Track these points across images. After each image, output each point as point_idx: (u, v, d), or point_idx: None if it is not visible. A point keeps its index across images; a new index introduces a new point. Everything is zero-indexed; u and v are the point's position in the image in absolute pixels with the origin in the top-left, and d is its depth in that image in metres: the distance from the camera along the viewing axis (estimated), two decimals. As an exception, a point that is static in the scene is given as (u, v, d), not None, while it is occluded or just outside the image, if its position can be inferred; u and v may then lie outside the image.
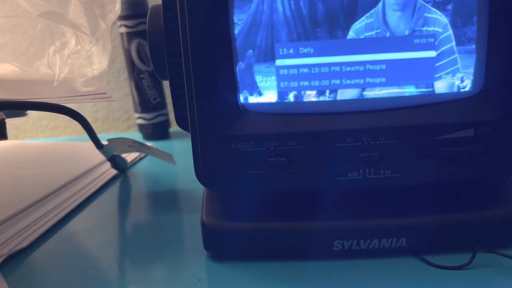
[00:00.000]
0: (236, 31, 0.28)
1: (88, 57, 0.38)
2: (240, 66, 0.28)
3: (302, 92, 0.29)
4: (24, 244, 0.34)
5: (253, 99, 0.29)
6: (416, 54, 0.28)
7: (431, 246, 0.29)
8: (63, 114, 0.34)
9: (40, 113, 0.73)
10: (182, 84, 0.29)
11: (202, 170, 0.29)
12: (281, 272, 0.29)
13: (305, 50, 0.28)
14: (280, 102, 0.29)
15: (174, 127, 0.63)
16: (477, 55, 0.27)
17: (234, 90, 0.28)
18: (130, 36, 0.57)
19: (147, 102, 0.59)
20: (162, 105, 0.61)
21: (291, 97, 0.29)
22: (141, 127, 0.61)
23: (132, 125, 0.72)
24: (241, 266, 0.30)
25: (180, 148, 0.57)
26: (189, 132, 0.29)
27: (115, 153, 0.45)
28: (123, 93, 0.71)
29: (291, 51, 0.28)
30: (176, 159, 0.46)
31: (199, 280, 0.29)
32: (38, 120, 0.73)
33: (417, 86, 0.28)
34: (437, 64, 0.28)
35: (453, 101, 0.28)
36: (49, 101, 0.34)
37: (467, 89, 0.28)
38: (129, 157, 0.51)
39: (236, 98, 0.28)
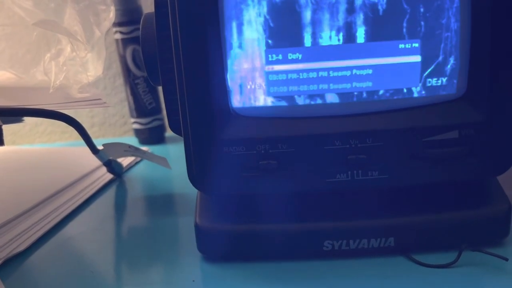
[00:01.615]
0: (226, 37, 0.28)
1: (83, 64, 0.39)
2: (230, 71, 0.29)
3: (291, 96, 0.29)
4: (21, 248, 0.35)
5: (243, 104, 0.30)
6: (402, 58, 0.29)
7: (419, 245, 0.30)
8: (59, 120, 0.35)
9: (37, 119, 0.74)
10: (174, 90, 0.30)
11: (195, 173, 0.30)
12: (273, 272, 0.30)
13: (294, 56, 0.28)
14: (270, 107, 0.30)
15: (170, 132, 0.63)
16: (460, 58, 0.28)
17: (225, 95, 0.29)
18: (125, 42, 0.58)
19: (142, 107, 0.60)
20: (158, 110, 0.61)
21: (280, 102, 0.29)
22: (137, 132, 0.62)
23: (128, 130, 0.73)
24: (234, 267, 0.31)
25: (175, 152, 0.58)
26: (182, 136, 0.30)
27: (110, 158, 0.46)
28: (119, 98, 0.72)
29: (280, 57, 0.28)
30: (171, 163, 0.47)
31: (193, 280, 0.30)
32: (35, 125, 0.74)
33: (402, 90, 0.29)
34: (421, 68, 0.29)
35: (438, 104, 0.29)
36: (45, 108, 0.34)
37: (451, 92, 0.29)
38: (125, 161, 0.51)
39: (227, 103, 0.29)
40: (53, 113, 0.34)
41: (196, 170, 0.30)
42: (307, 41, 0.28)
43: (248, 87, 0.29)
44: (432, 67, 0.29)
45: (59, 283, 0.31)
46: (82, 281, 0.31)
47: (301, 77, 0.29)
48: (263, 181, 0.29)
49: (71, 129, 0.41)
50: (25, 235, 0.36)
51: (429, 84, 0.29)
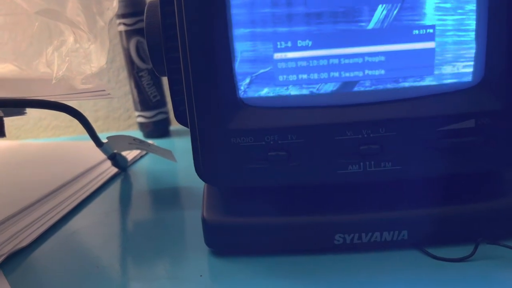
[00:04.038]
0: (234, 25, 0.27)
1: (86, 56, 0.38)
2: (238, 60, 0.28)
3: (301, 85, 0.28)
4: (25, 243, 0.34)
5: (252, 93, 0.29)
6: (415, 45, 0.27)
7: (433, 238, 0.29)
8: (62, 112, 0.34)
9: (41, 113, 0.73)
10: (180, 80, 0.29)
11: (201, 165, 0.29)
12: (283, 266, 0.29)
13: (303, 43, 0.27)
14: (279, 96, 0.29)
15: (175, 125, 0.63)
16: (476, 45, 0.27)
17: (232, 84, 0.28)
18: (129, 34, 0.57)
19: (147, 100, 0.59)
20: (162, 103, 0.61)
21: (290, 90, 0.29)
22: (142, 125, 0.61)
23: (133, 123, 0.72)
24: (243, 261, 0.30)
25: (180, 145, 0.57)
26: (188, 127, 0.29)
27: (115, 151, 0.45)
28: (123, 91, 0.71)
29: (289, 44, 0.27)
30: (176, 156, 0.46)
31: (200, 276, 0.29)
32: (39, 120, 0.73)
33: (416, 78, 0.28)
34: (436, 55, 0.27)
35: (453, 92, 0.28)
36: (48, 99, 0.34)
37: (467, 79, 0.28)
38: (130, 155, 0.51)
39: (235, 93, 0.28)
40: (56, 104, 0.33)
41: (203, 162, 0.29)
42: (317, 27, 0.27)
43: (256, 75, 0.28)
44: (447, 53, 0.27)
45: (63, 278, 0.31)
46: (87, 276, 0.30)
47: (311, 64, 0.28)
48: (272, 173, 0.29)
49: (75, 123, 0.41)
50: (29, 229, 0.36)
51: (444, 72, 0.28)
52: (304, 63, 0.28)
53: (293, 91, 0.28)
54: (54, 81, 0.33)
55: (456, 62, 0.28)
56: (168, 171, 0.48)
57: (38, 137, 0.73)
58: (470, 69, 0.28)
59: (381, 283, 0.27)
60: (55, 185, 0.42)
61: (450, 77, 0.28)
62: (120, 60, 0.68)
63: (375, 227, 0.29)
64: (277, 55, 0.28)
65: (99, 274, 0.31)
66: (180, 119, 0.31)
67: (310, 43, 0.27)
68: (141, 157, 0.53)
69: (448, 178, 0.29)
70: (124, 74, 0.69)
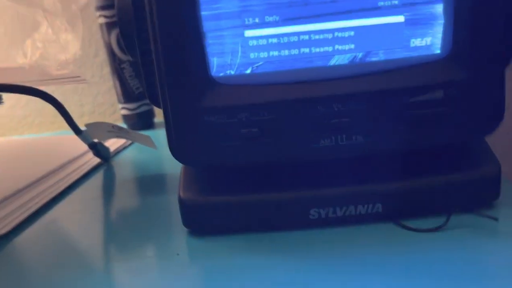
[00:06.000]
0: (203, 2, 0.27)
1: (63, 45, 0.38)
2: (208, 38, 0.28)
3: (272, 62, 0.28)
4: (4, 231, 0.34)
5: (223, 71, 0.29)
6: (384, 19, 0.28)
7: (407, 210, 0.29)
8: (36, 96, 0.34)
9: (25, 111, 0.73)
10: (152, 61, 0.29)
11: (175, 145, 0.29)
12: (260, 243, 0.29)
13: (271, 19, 0.28)
14: (250, 73, 0.29)
15: (159, 117, 0.63)
16: (445, 18, 0.28)
17: (203, 62, 0.28)
18: (109, 26, 0.57)
19: (129, 92, 0.59)
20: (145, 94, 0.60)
21: (261, 67, 0.29)
22: (126, 118, 0.61)
23: (118, 118, 0.72)
24: (220, 239, 0.30)
25: (165, 137, 0.57)
26: (161, 107, 0.29)
27: (96, 140, 0.45)
28: (108, 86, 0.71)
29: (257, 20, 0.28)
30: (160, 148, 0.46)
31: (177, 254, 0.29)
32: (24, 117, 0.73)
33: (386, 51, 0.28)
34: (405, 29, 0.28)
35: (422, 64, 0.28)
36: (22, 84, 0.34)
37: (436, 52, 0.28)
38: (112, 146, 0.51)
39: (206, 71, 0.28)
40: (29, 89, 0.33)
41: (177, 142, 0.29)
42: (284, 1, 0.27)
43: (227, 53, 0.28)
44: (416, 27, 0.28)
45: (44, 264, 0.30)
46: (67, 260, 0.30)
47: (281, 41, 0.28)
48: (245, 150, 0.29)
49: (59, 119, 0.40)
50: (8, 218, 0.36)
51: (413, 45, 0.28)
52: (274, 40, 0.28)
53: (264, 68, 0.29)
54: (27, 67, 0.33)
55: (425, 35, 0.28)
56: (151, 161, 0.48)
57: (22, 134, 0.73)
58: (439, 42, 0.28)
59: (358, 255, 0.27)
60: (37, 175, 0.42)
61: (419, 50, 0.28)
62: (103, 55, 0.68)
63: (349, 201, 0.29)
64: (248, 33, 0.28)
65: (79, 257, 0.31)
66: (153, 100, 0.31)
67: (277, 17, 0.28)
68: (124, 148, 0.53)
69: (420, 150, 0.29)
70: (107, 69, 0.69)
